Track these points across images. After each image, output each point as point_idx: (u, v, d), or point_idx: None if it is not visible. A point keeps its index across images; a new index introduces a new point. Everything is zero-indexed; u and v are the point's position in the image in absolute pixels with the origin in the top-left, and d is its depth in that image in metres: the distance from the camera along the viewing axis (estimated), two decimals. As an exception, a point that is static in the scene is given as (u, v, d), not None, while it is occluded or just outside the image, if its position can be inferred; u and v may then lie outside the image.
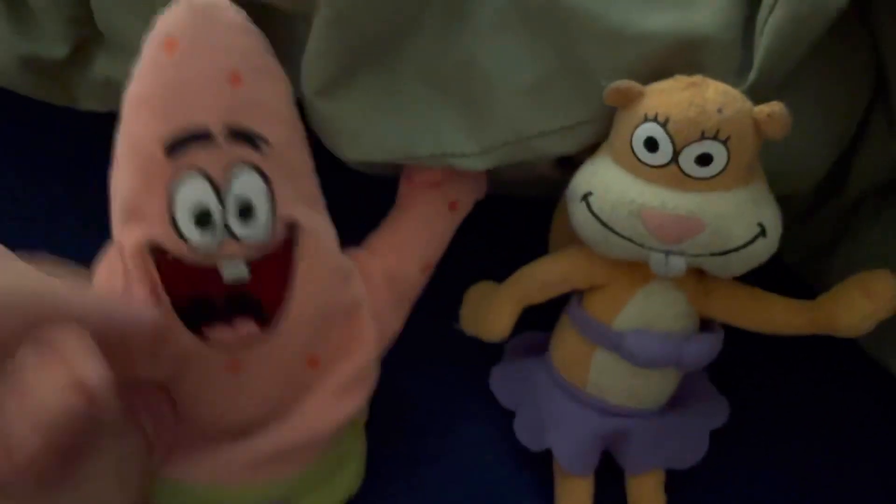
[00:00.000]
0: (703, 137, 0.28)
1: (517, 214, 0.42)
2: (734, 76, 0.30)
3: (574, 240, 0.34)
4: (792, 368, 0.41)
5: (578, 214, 0.31)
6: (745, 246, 0.29)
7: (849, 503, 0.38)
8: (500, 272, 0.37)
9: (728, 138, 0.28)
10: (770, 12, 0.29)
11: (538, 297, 0.35)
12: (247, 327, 0.28)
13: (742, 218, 0.29)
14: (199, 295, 0.27)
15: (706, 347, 0.33)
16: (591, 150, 0.33)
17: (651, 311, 0.33)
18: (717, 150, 0.29)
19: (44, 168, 0.43)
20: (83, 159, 0.41)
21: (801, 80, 0.32)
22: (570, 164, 0.34)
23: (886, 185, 0.37)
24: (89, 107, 0.37)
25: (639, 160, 0.30)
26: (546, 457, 0.37)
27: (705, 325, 0.34)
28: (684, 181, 0.29)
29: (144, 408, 0.28)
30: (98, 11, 0.34)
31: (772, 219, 0.30)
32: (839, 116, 0.34)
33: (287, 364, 0.29)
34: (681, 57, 0.30)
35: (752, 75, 0.30)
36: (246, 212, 0.27)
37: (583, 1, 0.30)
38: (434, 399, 0.40)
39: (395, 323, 0.34)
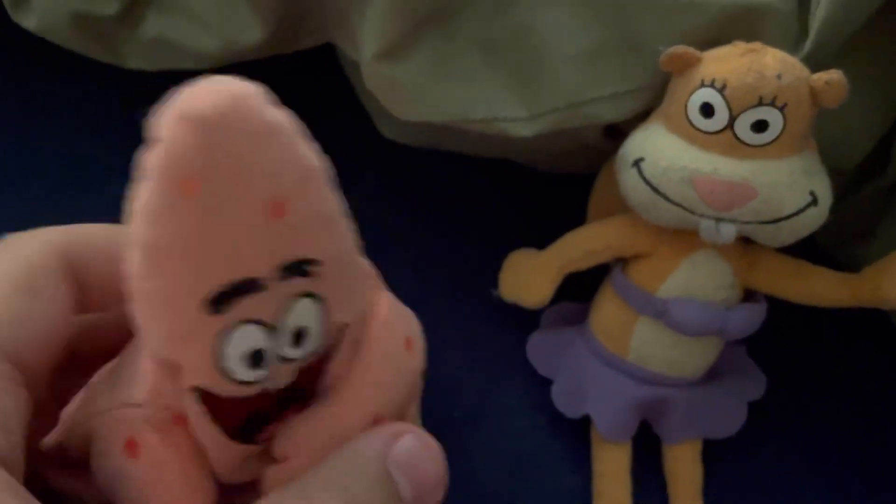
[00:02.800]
0: (760, 104, 0.28)
1: (556, 188, 0.42)
2: (790, 45, 0.30)
3: (613, 210, 0.34)
4: (830, 342, 0.42)
5: (629, 180, 0.31)
6: (796, 214, 0.29)
7: (887, 476, 0.38)
8: (538, 244, 0.37)
9: (785, 105, 0.28)
10: (827, -17, 0.29)
11: (582, 264, 0.35)
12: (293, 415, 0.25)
13: (794, 186, 0.29)
14: (251, 414, 0.24)
15: (750, 317, 0.33)
16: (639, 120, 0.33)
17: (696, 280, 0.33)
18: (773, 117, 0.29)
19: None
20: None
21: (854, 52, 0.32)
22: (618, 134, 0.35)
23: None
24: (137, 65, 0.38)
25: (693, 126, 0.30)
26: (583, 424, 0.37)
27: (748, 296, 0.34)
28: (738, 148, 0.29)
29: None
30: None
31: (823, 188, 0.30)
32: (889, 91, 0.34)
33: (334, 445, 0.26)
34: (737, 26, 0.30)
35: (808, 45, 0.30)
36: (299, 338, 0.23)
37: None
38: (471, 366, 0.40)
39: None
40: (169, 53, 0.36)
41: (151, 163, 0.19)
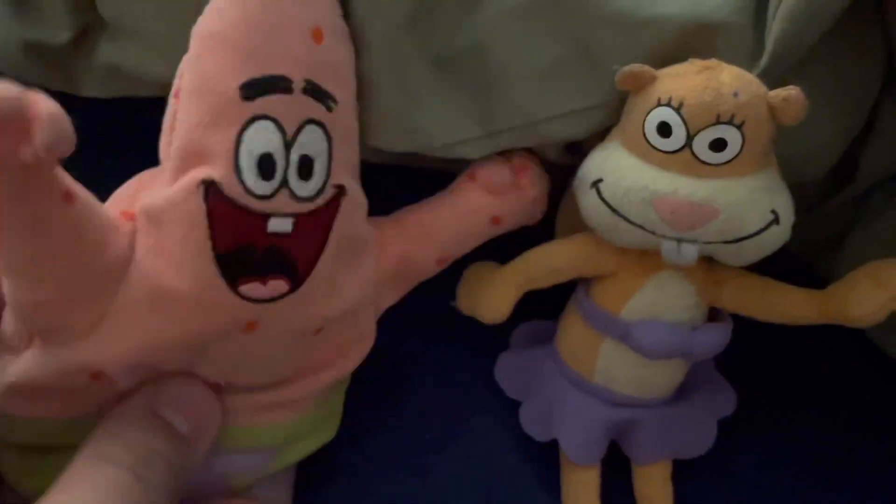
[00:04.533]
0: (717, 122, 0.28)
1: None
2: (747, 60, 0.30)
3: (581, 227, 0.34)
4: (799, 357, 0.41)
5: (588, 201, 0.31)
6: (758, 233, 0.29)
7: (857, 491, 0.38)
8: (502, 255, 0.36)
9: (743, 123, 0.28)
10: (782, -5, 0.29)
11: (543, 282, 0.35)
12: (278, 286, 0.27)
13: (756, 205, 0.29)
14: (240, 244, 0.26)
15: (715, 338, 0.33)
16: (600, 136, 0.33)
17: (660, 301, 0.32)
18: (731, 136, 0.28)
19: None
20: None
21: (813, 65, 0.31)
22: (578, 150, 0.34)
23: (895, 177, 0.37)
24: (91, 93, 0.37)
25: (651, 146, 0.29)
26: (553, 447, 0.36)
27: (714, 314, 0.34)
28: (697, 167, 0.29)
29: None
30: (101, -2, 0.33)
31: (785, 206, 0.30)
32: (851, 103, 0.34)
33: (299, 328, 0.29)
34: (693, 41, 0.30)
35: (765, 59, 0.30)
36: (305, 168, 0.26)
37: (592, -14, 0.30)
38: (439, 386, 0.40)
39: (390, 298, 0.34)
40: (124, 80, 0.36)
41: None
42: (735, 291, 0.33)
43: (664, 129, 0.29)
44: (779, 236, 0.30)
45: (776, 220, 0.29)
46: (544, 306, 0.37)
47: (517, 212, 0.34)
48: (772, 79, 0.30)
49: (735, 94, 0.28)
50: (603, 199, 0.30)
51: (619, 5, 0.30)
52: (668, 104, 0.29)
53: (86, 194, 0.25)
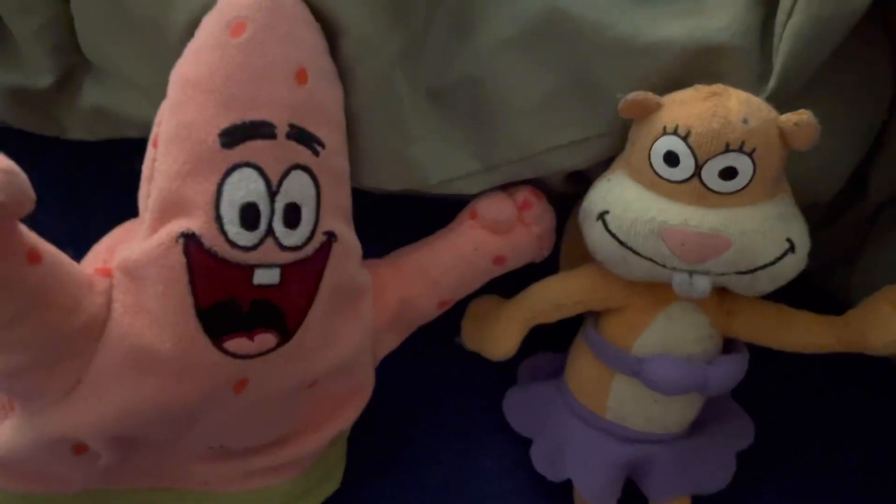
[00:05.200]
0: (727, 150, 0.27)
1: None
2: (754, 83, 0.29)
3: (587, 257, 0.33)
4: (821, 385, 0.40)
5: (594, 234, 0.30)
6: (773, 263, 0.28)
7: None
8: (507, 286, 0.35)
9: (754, 150, 0.27)
10: (789, 16, 0.28)
11: (549, 317, 0.34)
12: (266, 340, 0.26)
13: (770, 234, 0.28)
14: (224, 298, 0.25)
15: (731, 371, 0.31)
16: (605, 163, 0.32)
17: (672, 334, 0.31)
18: (742, 163, 0.27)
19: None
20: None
21: (821, 88, 0.30)
22: (582, 178, 0.33)
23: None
24: (78, 136, 0.36)
25: (658, 175, 0.28)
26: (567, 485, 0.35)
27: (729, 344, 0.33)
28: (707, 196, 0.28)
29: None
30: (84, 39, 0.33)
31: (800, 233, 0.28)
32: (859, 123, 0.33)
33: (292, 384, 0.28)
34: (696, 66, 0.29)
35: (773, 82, 0.29)
36: (292, 216, 0.25)
37: (590, 11, 0.29)
38: (446, 426, 0.39)
39: (391, 343, 0.33)
40: (110, 122, 0.35)
41: (212, 13, 0.25)
42: (749, 321, 0.32)
43: (671, 159, 0.28)
44: (794, 265, 0.28)
45: (791, 249, 0.28)
46: (550, 335, 0.35)
47: (522, 250, 0.32)
48: (781, 100, 0.29)
49: (744, 121, 0.27)
50: (610, 232, 0.29)
51: (616, 32, 0.29)
52: (675, 133, 0.28)
53: (53, 253, 0.24)
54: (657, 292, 0.31)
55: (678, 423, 0.33)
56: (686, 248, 0.28)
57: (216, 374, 0.25)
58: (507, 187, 0.32)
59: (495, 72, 0.30)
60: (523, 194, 0.32)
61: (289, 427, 0.30)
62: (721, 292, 0.31)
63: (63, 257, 0.24)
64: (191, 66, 0.25)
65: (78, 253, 0.27)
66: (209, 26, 0.25)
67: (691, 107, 0.28)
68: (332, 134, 0.27)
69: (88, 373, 0.25)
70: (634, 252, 0.29)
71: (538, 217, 0.32)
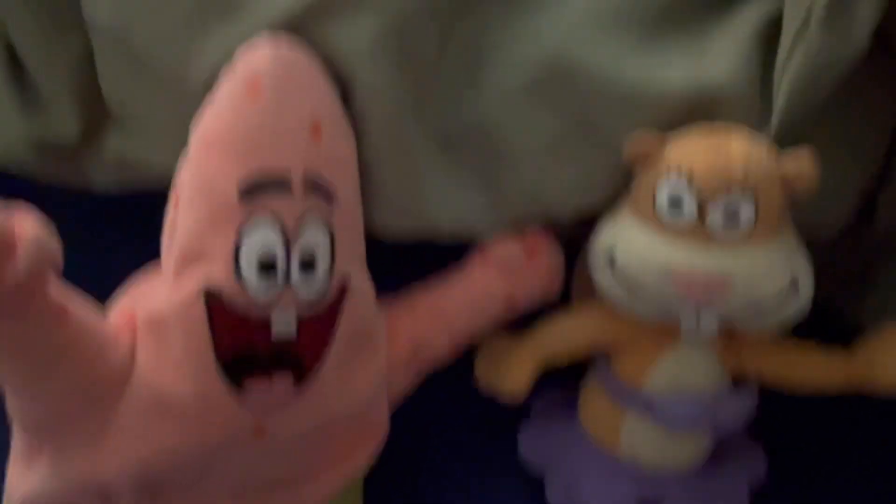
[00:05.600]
0: (729, 192, 0.28)
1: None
2: (755, 126, 0.30)
3: (597, 291, 0.33)
4: (836, 418, 0.40)
5: (603, 276, 0.31)
6: (777, 303, 0.29)
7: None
8: (520, 320, 0.35)
9: (755, 192, 0.28)
10: (788, 58, 0.29)
11: (561, 358, 0.34)
12: (284, 383, 0.27)
13: (774, 273, 0.28)
14: (243, 348, 0.26)
15: (741, 406, 0.32)
16: (610, 204, 0.32)
17: (681, 372, 0.32)
18: (744, 206, 0.28)
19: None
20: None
21: (823, 126, 0.31)
22: (588, 219, 0.34)
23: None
24: (103, 187, 0.37)
25: (663, 219, 0.29)
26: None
27: (738, 380, 0.33)
28: (712, 238, 0.28)
29: None
30: (108, 91, 0.34)
31: (804, 273, 0.29)
32: (864, 156, 0.34)
33: (309, 427, 0.29)
34: (699, 111, 0.30)
35: (774, 125, 0.29)
36: (308, 265, 0.26)
37: (594, 60, 0.30)
38: (463, 463, 0.39)
39: (405, 384, 0.33)
40: (134, 172, 0.36)
41: (229, 72, 0.26)
42: (756, 359, 0.32)
43: (675, 202, 0.28)
44: (799, 305, 0.29)
45: (795, 289, 0.29)
46: (564, 371, 0.36)
47: (531, 291, 0.33)
48: (784, 141, 0.29)
49: (746, 164, 0.27)
50: (618, 275, 0.30)
51: (620, 82, 0.30)
52: (678, 175, 0.28)
53: (81, 308, 0.25)
54: (666, 331, 0.31)
55: (690, 459, 0.34)
56: (692, 290, 0.28)
57: (236, 420, 0.26)
58: (515, 230, 0.33)
59: (503, 119, 0.31)
60: (532, 237, 0.33)
61: (307, 469, 0.30)
62: (729, 331, 0.32)
63: (90, 311, 0.25)
64: (210, 124, 0.26)
65: (101, 295, 0.28)
66: (227, 85, 0.26)
67: (694, 149, 0.29)
68: (345, 184, 0.28)
69: (114, 419, 0.26)
70: (643, 294, 0.29)
71: (547, 258, 0.33)
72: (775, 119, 0.29)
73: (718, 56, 0.30)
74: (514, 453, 0.38)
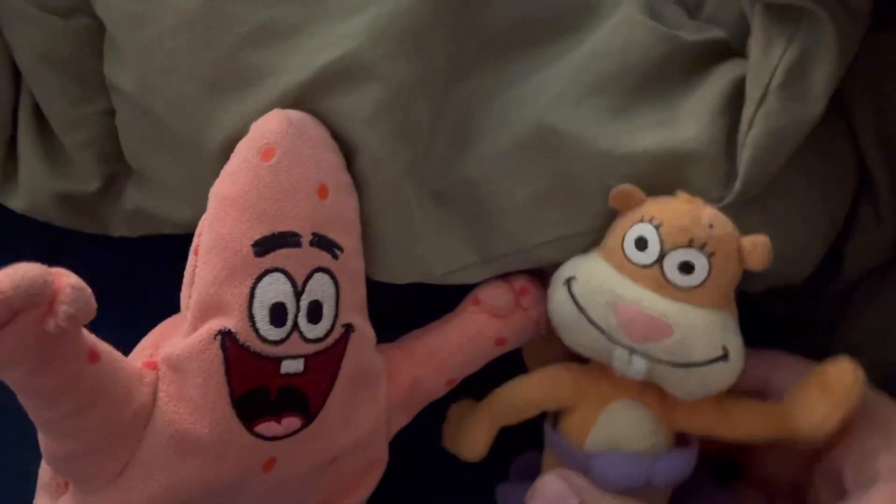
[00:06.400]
0: (690, 245, 0.30)
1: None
2: (721, 186, 0.33)
3: (546, 354, 0.36)
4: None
5: (557, 297, 0.33)
6: (706, 363, 0.30)
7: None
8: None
9: (713, 254, 0.30)
10: (749, 127, 0.32)
11: (511, 419, 0.36)
12: (292, 423, 0.29)
13: (708, 335, 0.30)
14: (255, 387, 0.28)
15: (677, 465, 0.33)
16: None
17: (618, 431, 0.33)
18: (699, 262, 0.30)
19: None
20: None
21: (789, 178, 0.34)
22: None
23: (880, 268, 0.39)
24: (119, 233, 0.40)
25: (626, 258, 0.31)
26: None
27: (681, 439, 0.34)
28: (664, 287, 0.30)
29: None
30: (128, 150, 0.37)
31: (736, 348, 0.31)
32: (828, 208, 0.36)
33: (315, 461, 0.31)
34: (668, 171, 0.32)
35: (738, 185, 0.32)
36: (315, 312, 0.29)
37: (574, 126, 0.33)
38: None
39: (401, 421, 0.35)
40: (150, 222, 0.39)
41: (245, 140, 0.29)
42: (690, 415, 0.33)
43: (641, 243, 0.31)
44: (726, 374, 0.31)
45: (725, 357, 0.30)
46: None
47: (521, 332, 0.36)
48: (747, 199, 0.32)
49: (710, 226, 0.30)
50: (571, 295, 0.32)
51: (597, 143, 0.32)
52: (650, 222, 0.31)
53: (109, 350, 0.27)
54: (602, 389, 0.33)
55: None
56: (633, 325, 0.31)
57: (248, 455, 0.29)
58: (505, 276, 0.36)
59: (491, 177, 0.34)
60: (521, 282, 0.36)
61: (312, 502, 0.33)
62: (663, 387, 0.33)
63: (116, 354, 0.28)
64: (227, 186, 0.29)
65: (123, 344, 0.30)
66: (243, 151, 0.29)
67: (669, 206, 0.31)
68: (349, 238, 0.31)
69: (136, 456, 0.28)
70: (588, 317, 0.32)
71: (535, 302, 0.35)
72: (739, 181, 0.32)
73: (686, 123, 0.33)
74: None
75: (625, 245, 0.31)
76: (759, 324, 0.34)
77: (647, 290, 0.31)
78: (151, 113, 0.34)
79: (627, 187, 0.32)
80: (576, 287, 0.32)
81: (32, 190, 0.38)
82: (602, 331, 0.31)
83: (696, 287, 0.30)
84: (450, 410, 0.38)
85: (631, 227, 0.32)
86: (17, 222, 0.39)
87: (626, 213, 0.32)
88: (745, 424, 0.33)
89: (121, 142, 0.37)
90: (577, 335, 0.33)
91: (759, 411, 0.33)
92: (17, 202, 0.39)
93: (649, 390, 0.32)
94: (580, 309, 0.32)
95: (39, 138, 0.38)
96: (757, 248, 0.30)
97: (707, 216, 0.30)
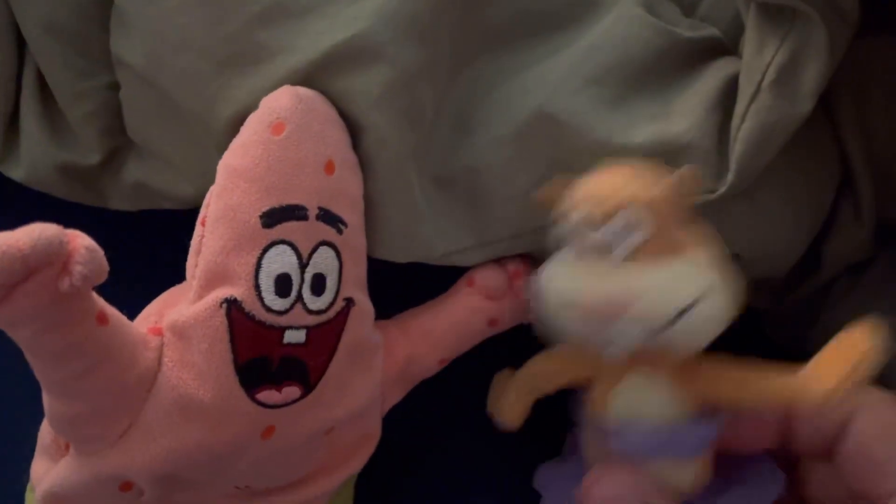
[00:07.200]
0: (614, 216, 0.29)
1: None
2: (714, 178, 0.34)
3: None
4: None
5: (534, 302, 0.33)
6: (678, 316, 0.29)
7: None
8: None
9: (641, 213, 0.29)
10: (742, 121, 0.33)
11: (546, 389, 0.36)
12: (292, 391, 0.29)
13: (677, 288, 0.29)
14: (258, 355, 0.29)
15: (701, 435, 0.32)
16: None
17: (638, 400, 0.33)
18: (631, 224, 0.29)
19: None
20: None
21: (775, 173, 0.35)
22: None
23: (857, 266, 0.40)
24: (119, 207, 0.40)
25: (581, 241, 0.30)
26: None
27: (707, 411, 0.33)
28: (611, 261, 0.30)
29: None
30: (131, 125, 0.37)
31: (715, 289, 0.30)
32: (811, 204, 0.38)
33: (312, 431, 0.31)
34: (661, 164, 0.33)
35: (730, 177, 0.33)
36: (318, 285, 0.30)
37: (571, 117, 0.34)
38: (446, 470, 0.42)
39: (395, 397, 0.36)
40: (150, 196, 0.39)
41: (254, 115, 0.30)
42: (709, 386, 0.33)
43: (578, 234, 0.30)
44: (709, 315, 0.30)
45: (707, 304, 0.29)
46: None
47: (513, 314, 0.37)
48: (739, 190, 0.33)
49: (625, 189, 0.29)
50: (546, 295, 0.32)
51: (593, 134, 0.34)
52: (576, 211, 0.30)
53: (117, 314, 0.28)
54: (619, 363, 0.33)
55: (690, 485, 0.33)
56: (595, 315, 0.30)
57: (248, 422, 0.29)
58: (500, 259, 0.37)
59: (490, 163, 0.35)
60: (514, 265, 0.37)
61: (307, 470, 0.33)
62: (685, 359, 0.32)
63: (123, 318, 0.28)
64: (237, 158, 0.30)
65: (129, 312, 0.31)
66: (253, 125, 0.30)
67: (584, 185, 0.30)
68: (353, 215, 0.31)
69: (140, 419, 0.29)
70: (558, 321, 0.31)
71: (527, 284, 0.36)
72: (731, 175, 0.33)
73: (680, 116, 0.34)
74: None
75: (575, 226, 0.31)
76: (741, 318, 0.32)
77: (599, 274, 0.30)
78: (159, 88, 0.34)
79: (550, 187, 0.32)
80: (547, 285, 0.32)
81: (34, 160, 0.38)
82: (573, 330, 0.31)
83: (639, 249, 0.29)
84: (493, 380, 0.38)
85: (563, 221, 0.31)
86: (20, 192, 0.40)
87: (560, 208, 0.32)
88: (763, 392, 0.31)
89: (124, 116, 0.37)
90: (563, 329, 0.32)
91: (777, 377, 0.31)
92: (17, 172, 0.39)
93: (664, 361, 0.32)
94: (551, 314, 0.32)
95: (42, 109, 0.39)
96: (683, 178, 0.29)
97: (620, 180, 0.30)
